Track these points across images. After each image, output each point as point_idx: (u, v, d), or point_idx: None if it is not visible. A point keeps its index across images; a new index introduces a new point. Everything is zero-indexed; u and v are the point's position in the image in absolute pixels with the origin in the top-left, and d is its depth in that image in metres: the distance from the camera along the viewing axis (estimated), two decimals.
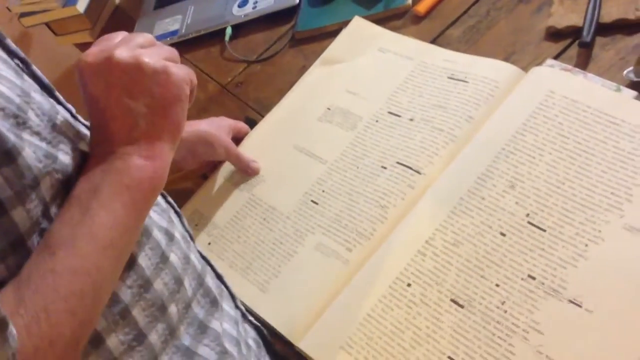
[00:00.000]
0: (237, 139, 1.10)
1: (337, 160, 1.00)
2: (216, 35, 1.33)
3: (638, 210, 0.75)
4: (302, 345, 0.84)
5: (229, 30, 1.30)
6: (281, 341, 0.86)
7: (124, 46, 0.60)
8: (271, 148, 1.08)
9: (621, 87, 0.85)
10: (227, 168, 1.09)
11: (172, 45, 1.32)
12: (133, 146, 0.60)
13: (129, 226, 0.59)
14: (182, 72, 0.62)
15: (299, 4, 1.28)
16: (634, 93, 0.84)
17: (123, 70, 0.59)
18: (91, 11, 1.52)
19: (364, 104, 1.04)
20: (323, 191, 0.98)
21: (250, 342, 0.80)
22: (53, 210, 0.56)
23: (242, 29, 1.32)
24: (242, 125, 1.12)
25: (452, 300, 0.79)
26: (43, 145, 0.55)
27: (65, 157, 0.57)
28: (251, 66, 1.25)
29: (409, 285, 0.82)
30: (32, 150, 0.53)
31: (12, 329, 0.48)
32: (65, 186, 0.58)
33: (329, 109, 1.07)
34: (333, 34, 1.18)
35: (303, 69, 1.16)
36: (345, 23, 1.18)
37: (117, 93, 0.59)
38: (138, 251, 0.63)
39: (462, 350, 0.75)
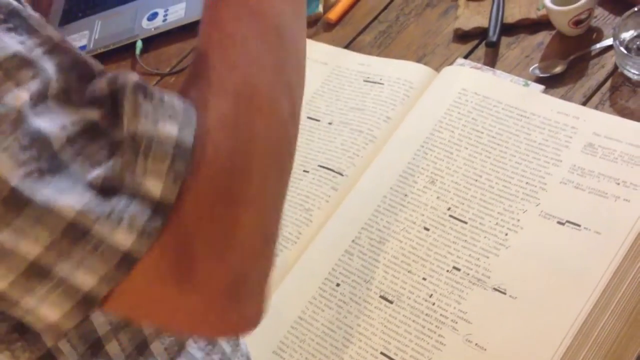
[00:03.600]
0: None
1: None
2: (126, 50, 1.30)
3: (552, 198, 0.78)
4: None
5: (139, 44, 1.28)
6: None
7: None
8: None
9: (529, 82, 0.89)
10: None
11: None
12: None
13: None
14: None
15: None
16: (541, 87, 0.88)
17: None
18: None
19: None
20: None
21: None
22: None
23: (153, 42, 1.30)
24: None
25: (382, 297, 0.80)
26: None
27: None
28: (165, 79, 1.23)
29: (338, 285, 0.82)
30: None
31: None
32: None
33: None
34: None
35: None
36: None
37: None
38: None
39: (394, 345, 0.76)
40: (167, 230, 0.41)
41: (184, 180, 0.42)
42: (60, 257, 0.40)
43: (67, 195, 0.39)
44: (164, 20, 1.30)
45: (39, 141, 0.39)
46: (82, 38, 1.35)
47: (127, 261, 0.41)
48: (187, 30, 1.28)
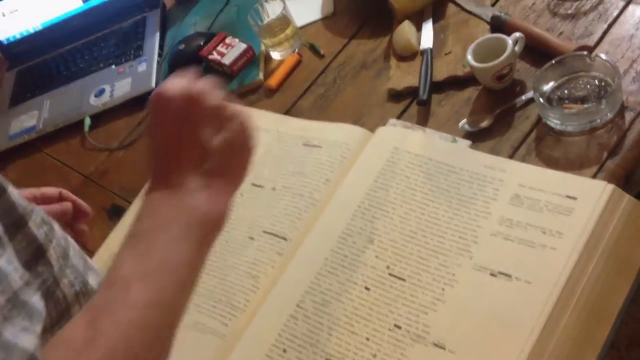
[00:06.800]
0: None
1: None
2: (75, 127, 1.33)
3: (484, 250, 0.80)
4: None
5: (87, 121, 1.30)
6: None
7: (202, 88, 0.62)
8: None
9: (457, 138, 0.92)
10: (95, 260, 1.07)
11: (29, 142, 1.30)
12: (201, 180, 0.60)
13: (196, 262, 0.59)
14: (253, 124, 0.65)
15: (155, 88, 1.30)
16: (468, 142, 0.91)
17: (203, 110, 0.61)
18: None
19: None
20: None
21: None
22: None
23: (101, 117, 1.33)
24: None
25: None
26: None
27: None
28: (114, 154, 1.25)
29: (284, 350, 0.83)
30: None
31: None
32: None
33: None
34: None
35: None
36: None
37: (193, 127, 0.60)
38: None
39: None
40: None
41: None
42: None
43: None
44: (111, 96, 1.33)
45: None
46: (31, 118, 1.37)
47: None
48: (134, 104, 1.31)
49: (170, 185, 0.60)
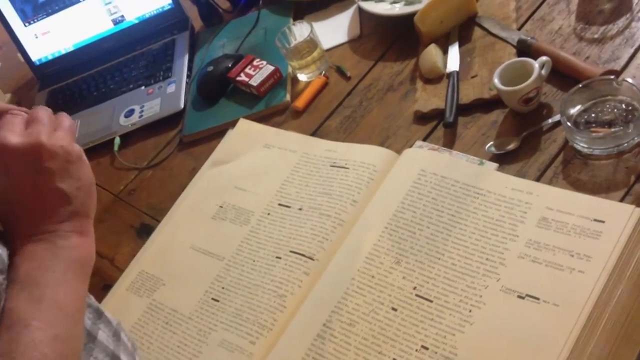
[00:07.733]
0: None
1: (234, 256, 1.02)
2: (105, 146, 1.35)
3: (512, 272, 0.81)
4: None
5: (117, 140, 1.33)
6: None
7: (45, 132, 0.64)
8: (169, 252, 1.09)
9: (484, 160, 0.93)
10: (124, 277, 1.09)
11: None
12: (69, 224, 0.65)
13: (83, 295, 0.64)
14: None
15: (184, 109, 1.32)
16: (495, 165, 0.92)
17: (53, 158, 0.64)
18: None
19: (254, 199, 1.08)
20: (223, 288, 0.99)
21: None
22: None
23: (131, 137, 1.35)
24: None
25: None
26: None
27: None
28: (142, 173, 1.27)
29: None
30: None
31: None
32: None
33: (221, 207, 1.10)
34: (219, 134, 1.22)
35: (193, 171, 1.20)
36: (230, 123, 1.23)
37: (48, 178, 0.64)
38: None
39: None
40: None
41: None
42: None
43: None
44: (140, 116, 1.35)
45: None
46: None
47: None
48: (162, 125, 1.33)
49: (38, 233, 0.63)
